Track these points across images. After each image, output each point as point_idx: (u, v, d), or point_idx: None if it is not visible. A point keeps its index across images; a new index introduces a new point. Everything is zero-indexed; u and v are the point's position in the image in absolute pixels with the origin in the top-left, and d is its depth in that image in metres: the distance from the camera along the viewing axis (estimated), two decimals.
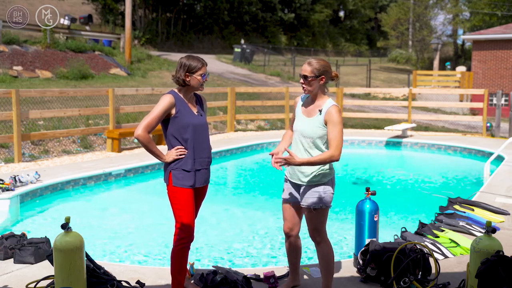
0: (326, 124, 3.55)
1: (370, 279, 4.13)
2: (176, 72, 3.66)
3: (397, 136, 13.16)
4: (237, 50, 29.94)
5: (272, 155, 3.62)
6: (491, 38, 22.65)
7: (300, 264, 4.11)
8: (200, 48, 37.66)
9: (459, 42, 47.38)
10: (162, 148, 3.65)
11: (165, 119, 3.63)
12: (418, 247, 4.20)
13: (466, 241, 4.99)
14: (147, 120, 3.56)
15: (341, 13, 55.19)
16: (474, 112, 20.58)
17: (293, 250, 3.92)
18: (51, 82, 17.14)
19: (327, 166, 3.62)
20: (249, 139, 12.67)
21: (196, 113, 3.69)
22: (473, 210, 6.14)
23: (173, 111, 3.61)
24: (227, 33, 40.74)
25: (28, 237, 4.89)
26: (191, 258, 4.56)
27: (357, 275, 4.31)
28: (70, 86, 16.60)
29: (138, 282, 3.97)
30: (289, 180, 3.78)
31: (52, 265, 3.72)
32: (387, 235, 5.63)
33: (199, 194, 3.80)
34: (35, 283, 3.87)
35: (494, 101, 18.49)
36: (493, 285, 3.30)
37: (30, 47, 19.37)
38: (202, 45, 38.59)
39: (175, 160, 3.62)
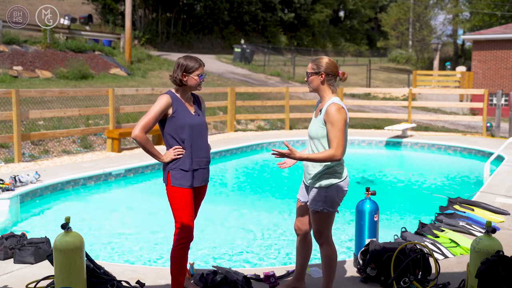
0: (325, 123, 3.50)
1: (370, 279, 4.13)
2: (174, 72, 3.66)
3: (397, 136, 13.16)
4: (237, 50, 29.94)
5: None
6: (491, 38, 22.65)
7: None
8: (200, 48, 37.64)
9: (459, 42, 47.38)
10: (162, 148, 3.65)
11: (162, 119, 3.64)
12: (418, 247, 4.20)
13: (466, 241, 4.99)
14: (144, 121, 3.56)
15: (341, 13, 55.19)
16: (474, 112, 20.58)
17: (301, 249, 3.91)
18: (51, 82, 17.14)
19: (332, 170, 3.55)
20: (249, 139, 12.67)
21: (193, 113, 3.70)
22: (473, 210, 6.14)
23: (170, 111, 3.61)
24: (227, 33, 40.73)
25: (28, 237, 4.89)
26: (191, 258, 4.56)
27: (357, 275, 4.31)
28: (70, 86, 16.60)
29: (138, 282, 3.97)
30: (303, 180, 3.79)
31: (52, 265, 3.72)
32: (387, 235, 5.63)
33: (198, 193, 3.80)
34: (35, 283, 3.87)
35: (494, 101, 18.49)
36: (493, 285, 3.30)
37: (30, 47, 19.37)
38: (202, 45, 38.58)
39: (173, 160, 3.63)
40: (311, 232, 3.89)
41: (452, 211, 5.98)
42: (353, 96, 22.30)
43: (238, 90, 15.01)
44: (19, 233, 4.97)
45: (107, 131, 10.67)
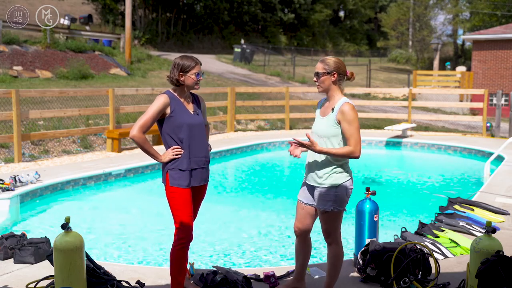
0: (339, 122, 3.52)
1: (370, 279, 4.13)
2: (170, 72, 3.66)
3: (397, 136, 13.16)
4: (237, 50, 29.93)
5: (292, 144, 3.59)
6: (491, 38, 22.65)
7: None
8: (200, 48, 37.64)
9: (459, 42, 47.38)
10: (161, 148, 3.65)
11: (160, 119, 3.64)
12: (418, 247, 4.20)
13: (466, 241, 4.99)
14: (142, 121, 3.56)
15: (341, 13, 55.18)
16: (474, 112, 20.58)
17: (301, 250, 3.90)
18: (51, 82, 17.14)
19: (340, 169, 3.57)
20: (249, 139, 12.67)
21: (192, 113, 3.69)
22: (473, 210, 6.14)
23: (168, 111, 3.61)
24: (227, 33, 40.72)
25: (28, 237, 4.89)
26: (191, 258, 4.56)
27: (357, 275, 4.31)
28: (70, 86, 16.60)
29: (138, 282, 3.97)
30: (305, 181, 3.77)
31: (52, 265, 3.72)
32: (387, 235, 5.63)
33: (198, 193, 3.79)
34: (35, 283, 3.87)
35: (494, 101, 18.49)
36: (493, 285, 3.30)
37: (30, 47, 19.37)
38: (202, 45, 38.57)
39: (171, 160, 3.63)
40: (311, 233, 3.89)
41: (452, 211, 5.98)
42: (353, 96, 22.28)
43: (238, 90, 15.01)
44: (19, 233, 4.97)
45: (107, 131, 10.67)
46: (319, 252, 5.35)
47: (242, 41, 32.80)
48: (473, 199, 6.80)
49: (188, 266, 4.18)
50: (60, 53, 19.71)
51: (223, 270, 4.19)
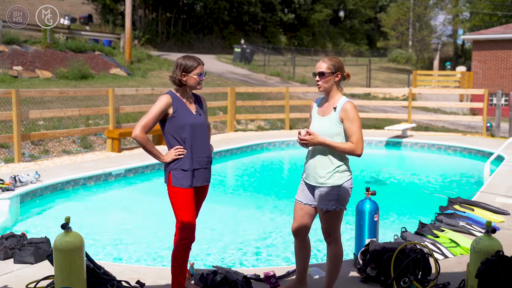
0: (342, 121, 3.54)
1: (370, 279, 4.13)
2: (173, 73, 3.66)
3: (397, 136, 13.16)
4: (237, 50, 29.94)
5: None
6: (491, 38, 22.64)
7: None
8: (200, 48, 37.64)
9: (459, 42, 47.38)
10: (162, 148, 3.64)
11: (163, 119, 3.64)
12: (418, 247, 4.20)
13: (466, 241, 4.98)
14: (144, 121, 3.56)
15: (341, 13, 55.18)
16: (474, 112, 20.58)
17: (301, 252, 3.89)
18: (51, 82, 17.14)
19: (342, 168, 3.58)
20: (249, 139, 12.67)
21: (194, 113, 3.69)
22: (473, 210, 6.14)
23: (171, 111, 3.61)
24: (227, 33, 40.73)
25: (28, 237, 4.89)
26: (191, 258, 4.56)
27: (357, 275, 4.31)
28: (70, 86, 16.60)
29: (138, 282, 3.97)
30: (305, 181, 3.76)
31: (52, 265, 3.72)
32: (387, 235, 5.63)
33: (199, 193, 3.79)
34: (35, 283, 3.87)
35: (494, 101, 18.49)
36: (493, 285, 3.30)
37: (30, 47, 19.37)
38: (202, 45, 38.58)
39: (174, 160, 3.62)
40: (309, 234, 3.88)
41: (452, 211, 5.98)
42: (353, 96, 22.28)
43: (238, 90, 15.01)
44: (19, 233, 4.97)
45: (107, 131, 10.67)
46: (319, 252, 5.35)
47: (242, 41, 32.80)
48: (473, 199, 6.80)
49: (188, 266, 4.18)
50: (60, 53, 19.71)
51: (223, 270, 4.19)
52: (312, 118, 3.74)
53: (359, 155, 3.53)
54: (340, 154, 3.58)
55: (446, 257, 4.73)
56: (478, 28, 36.06)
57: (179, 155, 3.61)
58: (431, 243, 4.88)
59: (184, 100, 3.68)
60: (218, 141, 12.04)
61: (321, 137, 3.52)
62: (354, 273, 4.35)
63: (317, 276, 4.26)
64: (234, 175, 10.41)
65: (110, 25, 32.77)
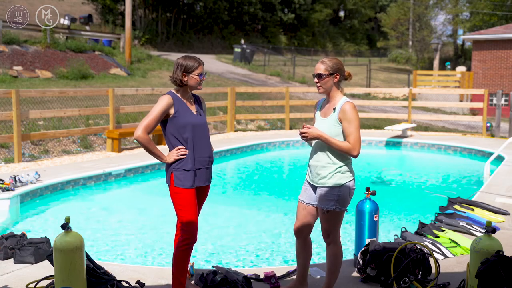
0: (340, 121, 3.54)
1: (370, 279, 4.13)
2: (173, 73, 3.66)
3: (397, 136, 13.16)
4: (237, 50, 29.93)
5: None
6: (491, 38, 22.65)
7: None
8: (200, 48, 37.63)
9: (459, 42, 47.37)
10: (163, 148, 3.65)
11: (164, 120, 3.64)
12: (418, 247, 4.20)
13: (466, 241, 4.99)
14: (146, 121, 3.56)
15: (341, 13, 55.17)
16: (474, 112, 20.58)
17: (302, 252, 3.89)
18: (51, 82, 17.14)
19: (343, 169, 3.58)
20: (249, 139, 12.67)
21: (195, 113, 3.70)
22: (473, 210, 6.14)
23: (172, 111, 3.61)
24: (227, 33, 40.71)
25: (28, 237, 4.89)
26: (191, 258, 4.56)
27: (357, 275, 4.31)
28: (70, 86, 16.60)
29: (138, 282, 3.97)
30: (308, 181, 3.77)
31: (52, 265, 3.72)
32: (387, 235, 5.64)
33: (201, 194, 3.80)
34: (35, 283, 3.87)
35: (494, 101, 18.50)
36: (493, 285, 3.30)
37: (30, 47, 19.37)
38: (202, 45, 38.57)
39: (176, 160, 3.62)
40: (310, 235, 3.88)
41: (452, 211, 5.98)
42: (353, 96, 22.28)
43: (238, 90, 15.01)
44: (19, 233, 4.97)
45: (107, 131, 10.67)
46: (319, 252, 5.35)
47: (242, 41, 32.80)
48: (473, 199, 6.80)
49: (188, 266, 4.18)
50: (60, 53, 19.71)
51: (223, 270, 4.19)
52: (315, 120, 3.76)
53: (355, 156, 3.53)
54: (342, 155, 3.58)
55: (446, 257, 4.74)
56: (478, 28, 36.06)
57: (181, 155, 3.61)
58: (431, 243, 4.88)
59: (185, 100, 3.69)
60: (218, 141, 12.04)
61: (321, 131, 3.52)
62: (354, 273, 4.35)
63: (318, 276, 4.27)
64: (234, 175, 10.41)
65: (110, 25, 32.76)
